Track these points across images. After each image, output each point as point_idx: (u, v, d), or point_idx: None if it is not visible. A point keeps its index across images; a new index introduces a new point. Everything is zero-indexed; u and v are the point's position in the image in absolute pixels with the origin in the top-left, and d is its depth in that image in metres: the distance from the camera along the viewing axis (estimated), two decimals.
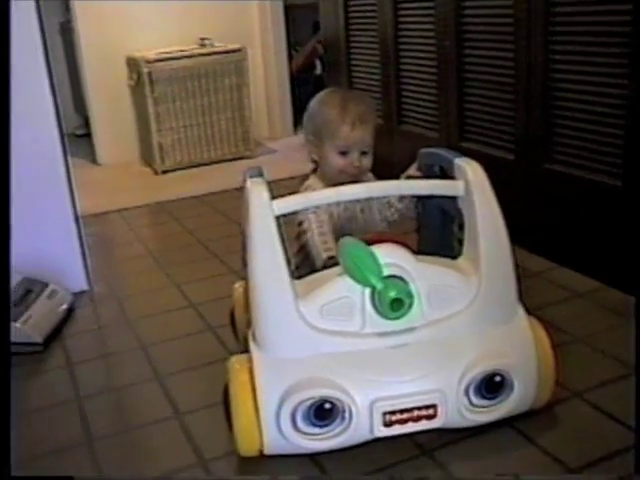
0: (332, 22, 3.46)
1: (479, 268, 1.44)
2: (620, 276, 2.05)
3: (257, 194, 1.40)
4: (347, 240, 1.40)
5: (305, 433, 1.35)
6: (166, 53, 3.87)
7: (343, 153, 1.69)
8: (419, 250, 1.71)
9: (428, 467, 1.40)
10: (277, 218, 1.39)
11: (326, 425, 1.35)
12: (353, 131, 1.67)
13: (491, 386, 1.39)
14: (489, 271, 1.44)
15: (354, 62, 3.37)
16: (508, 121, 2.41)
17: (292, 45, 4.73)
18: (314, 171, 1.79)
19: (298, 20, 4.85)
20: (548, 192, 2.28)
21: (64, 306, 2.18)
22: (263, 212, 1.38)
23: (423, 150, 1.70)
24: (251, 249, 1.38)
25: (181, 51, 3.90)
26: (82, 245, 2.43)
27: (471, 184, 1.45)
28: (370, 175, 1.79)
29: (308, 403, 1.32)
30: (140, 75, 3.81)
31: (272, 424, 1.34)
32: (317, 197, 1.52)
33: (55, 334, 2.07)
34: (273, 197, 1.41)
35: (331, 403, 1.33)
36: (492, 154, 2.47)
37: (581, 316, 1.96)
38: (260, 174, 1.47)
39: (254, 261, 1.38)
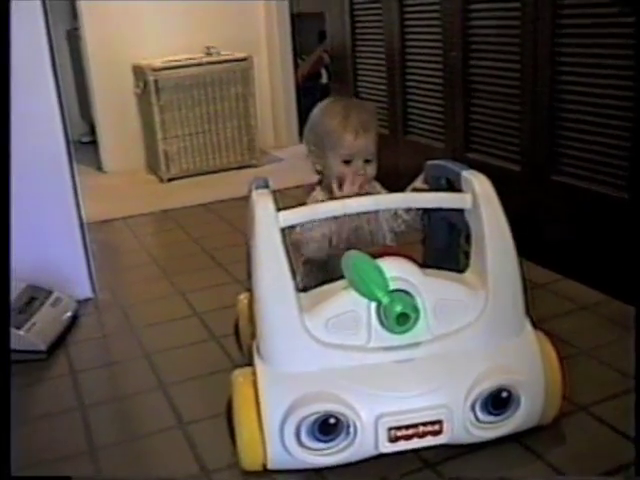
0: (338, 31, 3.47)
1: (486, 282, 1.42)
2: (625, 288, 2.04)
3: (263, 205, 1.39)
4: (352, 253, 1.38)
5: (309, 448, 1.34)
6: (172, 61, 3.88)
7: (347, 162, 1.68)
8: (424, 262, 1.70)
9: None
10: (282, 230, 1.39)
11: (331, 440, 1.34)
12: (356, 139, 1.66)
13: (498, 402, 1.38)
14: (496, 285, 1.42)
15: (360, 72, 3.37)
16: (514, 132, 2.41)
17: (298, 54, 4.73)
18: (319, 182, 1.78)
19: (304, 29, 4.86)
20: (553, 204, 2.27)
21: (68, 314, 2.18)
22: (268, 224, 1.37)
23: (430, 162, 1.69)
24: (256, 261, 1.37)
25: (187, 59, 3.91)
26: (87, 252, 2.42)
27: (478, 197, 1.44)
28: (375, 184, 1.78)
29: (312, 418, 1.31)
30: (146, 83, 3.82)
31: (276, 439, 1.33)
32: (323, 209, 1.50)
33: (59, 342, 2.06)
34: (279, 208, 1.40)
35: (336, 418, 1.32)
36: (498, 165, 2.46)
37: (586, 328, 1.95)
38: (266, 185, 1.47)
39: (259, 273, 1.37)
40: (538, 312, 1.56)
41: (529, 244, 2.29)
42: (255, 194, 1.42)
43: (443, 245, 1.70)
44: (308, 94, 4.80)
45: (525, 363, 1.41)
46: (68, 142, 2.30)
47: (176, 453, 1.54)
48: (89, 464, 1.52)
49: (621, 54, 1.95)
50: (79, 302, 2.30)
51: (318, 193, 1.75)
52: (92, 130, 4.50)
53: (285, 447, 1.33)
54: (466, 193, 1.47)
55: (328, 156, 1.70)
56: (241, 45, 4.17)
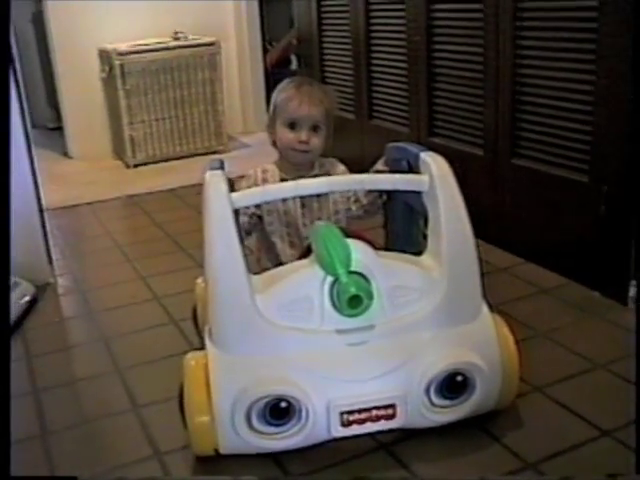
0: (305, 17, 3.45)
1: (442, 265, 1.41)
2: (585, 272, 2.05)
3: (215, 187, 1.37)
4: (323, 224, 1.38)
5: (261, 432, 1.32)
6: (139, 45, 3.83)
7: (292, 127, 1.69)
8: (386, 246, 1.70)
9: (390, 466, 1.38)
10: (235, 211, 1.37)
11: (282, 424, 1.32)
12: (301, 105, 1.67)
13: (453, 386, 1.37)
14: (453, 268, 1.41)
15: (326, 57, 3.35)
16: (477, 116, 2.40)
17: (268, 40, 4.70)
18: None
19: (274, 15, 4.83)
20: (516, 187, 2.28)
21: (26, 298, 2.15)
22: (220, 204, 1.35)
23: (390, 144, 1.67)
24: (208, 242, 1.36)
25: (154, 44, 3.87)
26: (46, 238, 2.40)
27: (435, 179, 1.42)
28: (333, 160, 1.78)
29: (263, 402, 1.29)
30: (112, 67, 3.77)
31: (227, 423, 1.31)
32: (276, 190, 1.48)
33: (16, 326, 2.04)
34: (232, 190, 1.39)
35: (287, 402, 1.30)
36: (461, 149, 2.46)
37: (545, 311, 1.96)
38: (221, 167, 1.45)
39: (210, 254, 1.35)
40: (499, 295, 1.57)
41: (492, 228, 2.31)
42: (208, 175, 1.40)
43: (403, 228, 1.69)
44: (278, 80, 4.74)
45: (481, 347, 1.39)
46: (26, 127, 2.26)
47: (129, 435, 1.52)
48: (40, 447, 1.50)
49: (582, 38, 1.95)
50: (38, 287, 2.27)
51: (269, 166, 1.77)
52: (59, 116, 4.44)
53: (236, 431, 1.31)
54: (423, 175, 1.45)
55: (277, 124, 1.71)
56: (210, 30, 4.13)
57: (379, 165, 1.70)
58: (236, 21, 4.38)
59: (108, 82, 3.94)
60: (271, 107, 1.76)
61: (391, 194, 1.67)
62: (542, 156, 2.17)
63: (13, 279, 2.14)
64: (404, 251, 1.52)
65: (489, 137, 2.35)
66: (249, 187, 1.63)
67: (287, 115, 1.69)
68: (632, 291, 1.92)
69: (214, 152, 4.02)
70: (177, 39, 3.95)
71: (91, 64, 4.02)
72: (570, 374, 1.65)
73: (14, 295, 2.10)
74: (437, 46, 2.56)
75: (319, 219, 1.70)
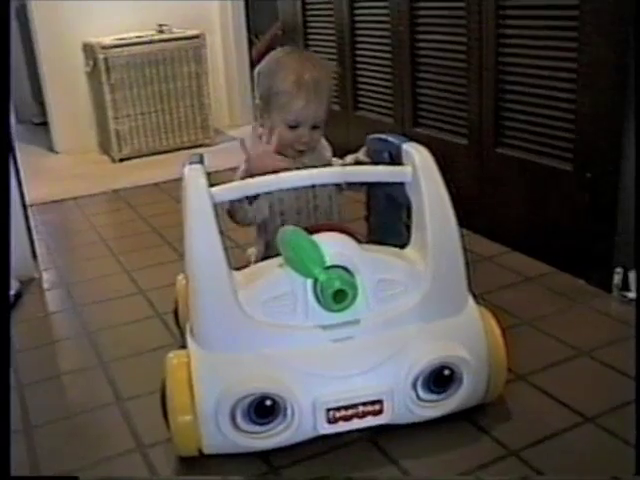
0: (290, 8, 3.44)
1: (427, 257, 1.39)
2: (570, 260, 2.05)
3: (194, 181, 1.35)
4: (287, 229, 1.33)
5: (246, 431, 1.30)
6: (123, 39, 3.81)
7: (293, 127, 1.60)
8: (369, 238, 1.68)
9: (380, 463, 1.36)
10: (215, 206, 1.34)
11: (268, 423, 1.30)
12: (306, 107, 1.57)
13: (440, 380, 1.35)
14: (437, 260, 1.39)
15: (311, 48, 3.34)
16: (461, 106, 2.40)
17: (253, 33, 4.68)
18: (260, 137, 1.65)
19: (259, 7, 4.81)
20: (501, 177, 2.28)
21: (10, 293, 2.14)
22: (200, 199, 1.33)
23: (371, 136, 1.64)
24: (188, 237, 1.33)
25: (138, 37, 3.84)
26: (30, 233, 2.39)
27: (418, 169, 1.40)
28: (324, 143, 1.72)
29: (248, 400, 1.27)
30: (96, 61, 3.75)
31: (211, 423, 1.28)
32: (257, 184, 1.44)
33: None
34: (211, 184, 1.35)
35: (272, 400, 1.28)
36: (446, 139, 2.46)
37: (530, 300, 1.96)
38: (200, 161, 1.42)
39: (190, 250, 1.33)
40: (484, 284, 1.56)
41: (477, 217, 2.31)
42: (187, 170, 1.38)
43: (386, 220, 1.66)
44: None
45: (468, 340, 1.38)
46: (8, 121, 2.24)
47: (112, 429, 1.52)
48: (23, 442, 1.49)
49: (564, 26, 1.95)
50: (22, 282, 2.26)
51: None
52: (44, 111, 4.42)
53: (221, 431, 1.28)
54: (406, 166, 1.44)
55: (273, 116, 1.61)
56: (194, 23, 4.11)
57: (361, 155, 1.64)
58: (221, 14, 4.36)
59: (93, 76, 3.93)
60: (264, 88, 1.61)
61: (372, 185, 1.64)
62: (526, 145, 2.16)
63: None
64: (387, 243, 1.51)
65: (473, 127, 2.35)
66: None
67: (289, 116, 1.59)
68: (617, 279, 1.92)
69: (200, 145, 4.01)
70: (162, 32, 3.93)
71: (75, 58, 3.99)
72: (554, 361, 1.65)
73: None
74: (421, 36, 2.55)
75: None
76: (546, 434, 1.39)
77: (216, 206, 1.35)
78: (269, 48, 5.11)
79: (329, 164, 1.69)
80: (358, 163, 1.64)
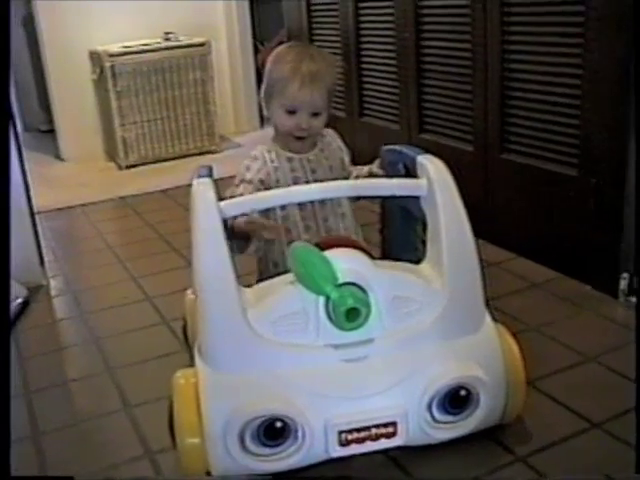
0: (295, 16, 3.45)
1: (443, 273, 1.34)
2: (576, 266, 2.06)
3: (202, 195, 1.31)
4: (298, 245, 1.28)
5: (255, 454, 1.25)
6: (129, 47, 3.83)
7: (291, 113, 1.57)
8: (383, 252, 1.65)
9: (383, 464, 1.36)
10: (225, 221, 1.31)
11: (278, 445, 1.25)
12: (301, 89, 1.54)
13: (456, 401, 1.30)
14: (453, 277, 1.34)
15: None
16: (466, 112, 2.41)
17: (258, 40, 4.70)
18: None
19: (264, 14, 4.83)
20: (506, 183, 2.28)
21: (18, 300, 2.15)
22: (208, 214, 1.29)
23: (385, 147, 1.60)
24: (195, 254, 1.29)
25: (145, 45, 3.86)
26: (38, 240, 2.40)
27: (434, 183, 1.36)
28: (339, 144, 1.70)
29: (257, 422, 1.22)
30: (103, 69, 3.77)
31: (219, 445, 1.23)
32: (267, 198, 1.41)
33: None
34: (220, 198, 1.32)
35: (282, 422, 1.23)
36: (451, 145, 2.47)
37: (537, 305, 1.97)
38: (209, 174, 1.39)
39: (199, 267, 1.29)
40: (490, 290, 1.55)
41: (482, 223, 2.31)
42: (195, 183, 1.35)
43: (400, 234, 1.62)
44: None
45: (485, 359, 1.33)
46: (16, 129, 2.26)
47: (120, 435, 1.53)
48: (31, 448, 1.50)
49: (569, 32, 1.95)
50: (30, 289, 2.27)
51: (260, 148, 1.66)
52: (51, 119, 4.43)
53: (229, 453, 1.24)
54: (421, 179, 1.39)
55: (273, 105, 1.61)
56: (200, 30, 4.13)
57: (374, 168, 1.62)
58: (227, 21, 4.38)
59: (99, 84, 3.95)
60: (266, 80, 1.63)
61: (387, 197, 1.57)
62: (531, 150, 2.17)
63: None
64: (402, 258, 1.47)
65: (478, 133, 2.35)
66: (259, 169, 1.59)
67: (285, 100, 1.57)
68: (623, 284, 1.92)
69: (206, 152, 4.03)
70: (168, 40, 3.95)
71: (82, 66, 4.02)
72: (561, 367, 1.65)
73: None
74: (426, 42, 2.56)
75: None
76: (553, 440, 1.39)
77: (226, 221, 1.32)
78: None
79: (344, 168, 1.69)
80: (372, 175, 1.61)
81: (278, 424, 1.23)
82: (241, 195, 1.49)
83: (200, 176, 1.38)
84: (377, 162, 1.63)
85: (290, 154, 1.63)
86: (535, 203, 2.18)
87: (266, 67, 1.64)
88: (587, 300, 1.96)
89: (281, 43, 4.77)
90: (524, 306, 1.94)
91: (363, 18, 2.92)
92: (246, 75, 4.45)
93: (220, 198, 1.32)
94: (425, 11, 2.53)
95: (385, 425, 1.27)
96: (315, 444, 1.26)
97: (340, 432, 1.26)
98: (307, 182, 1.61)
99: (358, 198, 1.67)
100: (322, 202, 1.62)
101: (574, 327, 1.83)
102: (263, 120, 4.60)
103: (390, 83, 2.82)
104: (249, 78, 4.46)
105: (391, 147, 1.58)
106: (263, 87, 1.65)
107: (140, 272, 2.41)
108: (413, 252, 1.51)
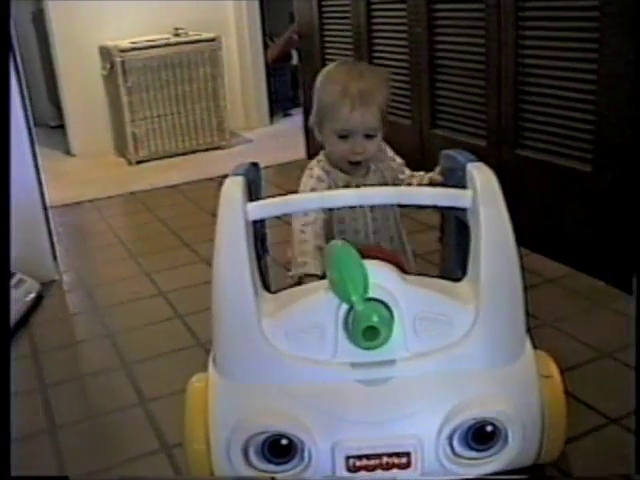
0: (306, 11, 3.44)
1: (479, 294, 1.22)
2: (590, 262, 2.05)
3: (229, 195, 1.24)
4: (337, 244, 1.20)
5: (258, 469, 1.18)
6: (140, 42, 3.83)
7: (343, 137, 1.50)
8: (442, 263, 1.58)
9: None
10: (254, 223, 1.26)
11: (282, 463, 1.17)
12: (352, 113, 1.46)
13: (480, 436, 1.18)
14: (490, 298, 1.22)
15: (328, 52, 3.34)
16: (480, 108, 2.40)
17: (268, 35, 4.70)
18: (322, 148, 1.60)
19: (274, 10, 4.82)
20: (520, 178, 2.27)
21: (31, 295, 2.16)
22: (232, 215, 1.23)
23: (444, 152, 1.50)
24: (215, 255, 1.23)
25: (155, 40, 3.87)
26: (50, 235, 2.40)
27: (479, 195, 1.25)
28: (382, 145, 1.60)
29: (262, 437, 1.15)
30: (113, 64, 3.78)
31: (222, 455, 1.18)
32: (298, 202, 1.35)
33: (22, 323, 2.04)
34: (250, 199, 1.26)
35: (288, 439, 1.15)
36: (464, 141, 2.46)
37: (551, 301, 1.96)
38: (245, 172, 1.32)
39: (216, 269, 1.22)
40: None
41: None
42: (227, 181, 1.28)
43: (455, 246, 1.49)
44: (279, 75, 4.78)
45: (518, 392, 1.21)
46: (29, 124, 2.27)
47: (136, 430, 1.53)
48: (48, 442, 1.51)
49: (584, 27, 1.94)
50: (43, 284, 2.27)
51: (315, 165, 1.58)
52: (61, 114, 4.44)
53: (233, 465, 1.18)
54: (468, 189, 1.29)
55: (325, 130, 1.53)
56: (210, 26, 4.13)
57: (434, 175, 1.53)
58: (236, 17, 4.38)
59: (109, 79, 3.95)
60: (316, 103, 1.55)
61: (430, 207, 1.42)
62: (545, 146, 2.16)
63: (18, 276, 2.14)
64: (454, 272, 1.39)
65: (492, 128, 2.35)
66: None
67: (337, 125, 1.49)
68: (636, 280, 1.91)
69: (216, 148, 4.04)
70: (178, 35, 3.96)
71: (92, 61, 4.03)
72: (576, 363, 1.64)
73: (20, 292, 2.11)
74: (439, 37, 2.55)
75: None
76: (570, 436, 1.38)
77: (256, 223, 1.27)
78: (284, 51, 5.14)
79: (399, 180, 1.62)
80: (431, 184, 1.52)
81: (284, 441, 1.16)
82: (304, 241, 1.45)
83: (234, 174, 1.31)
84: (437, 169, 1.54)
85: (347, 179, 1.55)
86: (549, 198, 2.17)
87: (315, 89, 1.57)
88: (601, 296, 1.96)
89: (290, 39, 4.79)
90: (538, 302, 1.92)
91: (375, 13, 2.91)
92: (256, 70, 4.45)
93: (251, 198, 1.27)
94: (438, 6, 2.52)
95: (398, 455, 1.17)
96: (321, 466, 1.17)
97: (348, 457, 1.16)
98: (362, 208, 1.55)
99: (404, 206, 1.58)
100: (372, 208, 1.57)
101: (589, 323, 1.83)
102: (272, 116, 4.61)
103: (402, 78, 2.81)
104: (259, 74, 4.47)
105: (448, 152, 1.48)
106: (313, 111, 1.57)
107: (152, 267, 2.41)
108: (464, 267, 1.37)
